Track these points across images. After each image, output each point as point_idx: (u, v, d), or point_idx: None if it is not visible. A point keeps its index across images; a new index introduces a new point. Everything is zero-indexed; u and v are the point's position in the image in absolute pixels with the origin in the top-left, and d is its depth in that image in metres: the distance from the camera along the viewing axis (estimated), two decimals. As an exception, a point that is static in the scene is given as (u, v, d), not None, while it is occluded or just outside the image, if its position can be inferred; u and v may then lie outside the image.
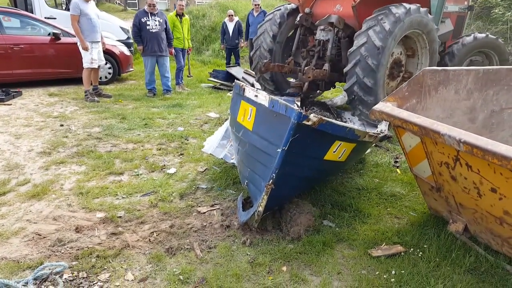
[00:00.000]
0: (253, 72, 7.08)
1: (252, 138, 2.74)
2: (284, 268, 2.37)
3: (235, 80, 3.85)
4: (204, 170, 3.94)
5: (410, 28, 4.87)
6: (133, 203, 3.23)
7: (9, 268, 2.43)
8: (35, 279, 2.30)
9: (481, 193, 2.22)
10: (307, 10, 5.81)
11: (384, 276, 2.27)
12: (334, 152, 2.67)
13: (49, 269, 2.38)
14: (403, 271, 2.28)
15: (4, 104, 6.66)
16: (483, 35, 6.20)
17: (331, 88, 6.52)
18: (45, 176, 3.81)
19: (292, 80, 6.85)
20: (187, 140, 4.88)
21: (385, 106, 2.55)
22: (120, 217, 3.02)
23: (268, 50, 6.26)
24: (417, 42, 5.36)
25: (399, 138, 2.68)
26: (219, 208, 3.15)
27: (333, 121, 2.43)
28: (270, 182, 2.45)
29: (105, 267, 2.42)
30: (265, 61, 5.60)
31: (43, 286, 2.25)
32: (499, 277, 2.26)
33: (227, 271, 2.34)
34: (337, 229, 2.79)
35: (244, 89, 2.88)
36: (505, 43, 8.39)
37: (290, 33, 6.50)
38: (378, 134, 2.99)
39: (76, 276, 2.34)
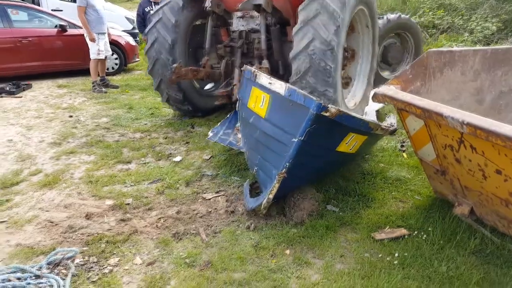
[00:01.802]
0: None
1: (264, 125, 2.73)
2: (288, 252, 2.41)
3: (244, 65, 3.45)
4: (209, 158, 3.98)
5: (357, 7, 3.89)
6: (141, 191, 3.31)
7: (23, 253, 2.53)
8: (48, 263, 2.40)
9: (486, 175, 2.20)
10: None
11: (387, 258, 2.29)
12: (347, 143, 2.68)
13: (61, 254, 2.47)
14: (406, 254, 2.30)
15: (15, 97, 6.81)
16: (395, 15, 5.66)
17: None
18: (56, 166, 3.91)
19: (209, 86, 5.54)
20: (193, 129, 4.92)
21: (388, 89, 2.52)
22: (128, 204, 3.09)
23: (169, 45, 4.52)
24: (358, 20, 4.31)
25: (403, 121, 2.65)
26: (224, 195, 3.20)
27: (350, 113, 2.42)
28: (284, 171, 2.46)
29: (115, 252, 2.50)
30: (175, 65, 4.10)
31: (56, 270, 2.35)
32: (505, 258, 2.25)
33: (231, 254, 2.39)
34: (340, 213, 2.81)
35: (256, 75, 2.85)
36: None
37: (194, 23, 4.92)
38: (389, 127, 2.99)
39: (87, 260, 2.43)
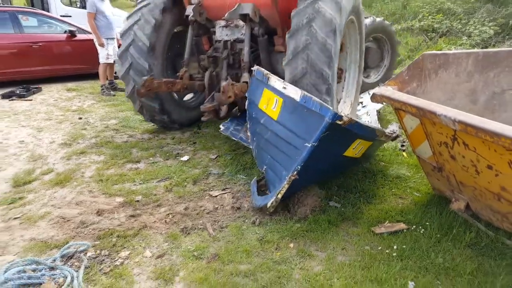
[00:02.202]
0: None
1: (276, 128, 2.85)
2: (291, 245, 2.52)
3: (255, 65, 3.40)
4: (216, 158, 4.11)
5: (349, 16, 3.77)
6: (150, 188, 3.44)
7: (38, 247, 2.67)
8: (61, 256, 2.53)
9: (478, 171, 2.31)
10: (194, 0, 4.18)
11: (386, 251, 2.40)
12: (353, 149, 2.82)
13: (74, 248, 2.60)
14: (404, 246, 2.41)
15: (25, 100, 7.01)
16: (371, 19, 5.52)
17: None
18: (67, 166, 4.06)
19: (188, 97, 5.23)
20: (200, 130, 5.06)
21: (386, 90, 2.64)
22: (138, 201, 3.23)
23: (147, 51, 4.21)
24: (347, 33, 4.15)
25: (401, 120, 2.77)
26: (230, 192, 3.33)
27: (359, 121, 2.57)
28: (295, 173, 2.58)
29: (125, 245, 2.63)
30: (145, 78, 3.77)
31: (69, 263, 2.48)
32: (499, 251, 2.36)
33: (237, 247, 2.51)
34: (342, 209, 2.92)
35: (268, 77, 2.95)
36: None
37: (174, 30, 4.65)
38: (392, 133, 3.15)
39: (99, 253, 2.56)
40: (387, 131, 3.07)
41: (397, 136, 3.27)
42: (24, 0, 17.09)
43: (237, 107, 4.36)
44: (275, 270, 2.26)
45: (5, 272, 2.33)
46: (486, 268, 2.20)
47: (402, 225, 2.64)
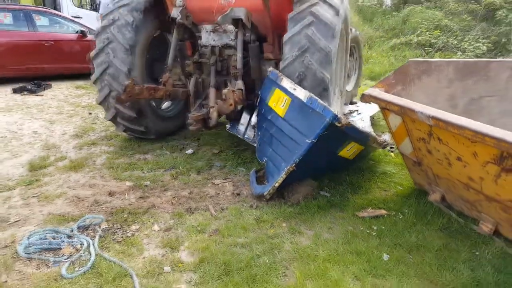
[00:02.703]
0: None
1: (281, 124, 3.17)
2: (284, 224, 2.83)
3: (270, 67, 3.52)
4: (218, 152, 4.43)
5: (343, 23, 3.71)
6: (157, 176, 3.75)
7: (56, 220, 2.96)
8: (78, 227, 2.83)
9: (450, 163, 2.63)
10: (180, 2, 3.93)
11: (367, 231, 2.71)
12: (347, 150, 3.17)
13: (90, 221, 2.91)
14: (383, 227, 2.72)
15: (36, 95, 7.35)
16: (352, 29, 5.42)
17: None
18: (79, 154, 4.37)
19: (165, 106, 4.88)
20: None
21: (374, 91, 2.98)
22: (146, 185, 3.54)
23: (125, 54, 3.93)
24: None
25: (386, 119, 3.11)
26: (231, 181, 3.64)
27: (356, 125, 2.92)
28: (293, 165, 2.90)
29: (136, 220, 2.93)
30: (127, 82, 3.49)
31: (85, 233, 2.78)
32: (466, 234, 2.67)
33: (236, 225, 2.82)
34: (331, 198, 3.24)
35: (282, 78, 3.26)
36: (508, 43, 8.65)
37: (155, 33, 4.36)
38: (383, 142, 3.52)
39: (111, 226, 2.86)
40: (379, 139, 3.40)
41: (387, 145, 3.61)
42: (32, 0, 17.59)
43: (224, 116, 3.97)
44: (268, 242, 2.57)
45: (28, 238, 2.63)
46: (452, 246, 2.51)
47: (383, 211, 2.95)
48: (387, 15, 12.75)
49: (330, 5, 3.42)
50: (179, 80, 4.24)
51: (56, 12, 9.45)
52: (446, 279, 2.23)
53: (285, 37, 3.44)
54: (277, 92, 3.28)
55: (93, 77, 4.14)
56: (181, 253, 2.51)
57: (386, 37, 11.45)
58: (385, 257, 2.40)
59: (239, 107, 3.74)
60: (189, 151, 4.42)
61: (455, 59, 3.30)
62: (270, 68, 3.57)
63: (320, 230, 2.74)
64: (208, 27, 4.01)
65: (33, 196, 3.37)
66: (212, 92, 3.94)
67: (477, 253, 2.48)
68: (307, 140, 2.83)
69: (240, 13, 3.61)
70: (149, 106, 4.39)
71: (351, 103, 6.11)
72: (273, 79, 3.42)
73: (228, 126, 4.29)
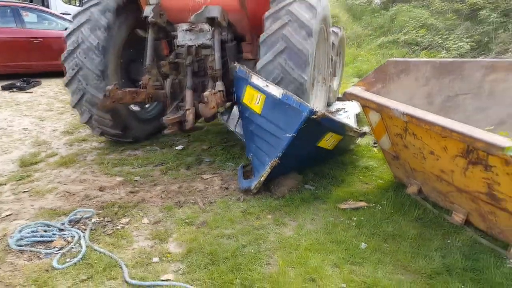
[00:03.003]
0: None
1: (260, 121, 3.25)
2: (269, 216, 2.96)
3: (236, 63, 3.56)
4: (208, 148, 4.54)
5: (321, 24, 3.65)
6: (147, 171, 3.85)
7: (47, 214, 3.04)
8: (69, 221, 2.92)
9: (424, 157, 2.79)
10: (153, 0, 3.85)
11: (347, 221, 2.86)
12: (326, 141, 3.28)
13: (80, 214, 3.00)
14: (362, 218, 2.87)
15: (26, 92, 7.34)
16: (339, 30, 5.62)
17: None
18: (70, 150, 4.44)
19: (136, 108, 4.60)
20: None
21: (354, 89, 3.13)
22: (136, 180, 3.63)
23: (97, 55, 3.82)
24: (317, 41, 3.93)
25: (367, 116, 3.26)
26: (219, 176, 3.76)
27: (330, 116, 3.02)
28: (277, 159, 3.03)
29: (126, 214, 3.03)
30: (109, 87, 3.41)
31: (76, 226, 2.86)
32: (439, 224, 2.84)
33: (223, 217, 2.94)
34: (315, 191, 3.38)
35: (251, 75, 3.29)
36: (490, 42, 8.91)
37: (129, 33, 4.21)
38: (359, 130, 3.67)
39: (102, 220, 2.95)
40: (355, 127, 3.55)
41: (365, 133, 3.76)
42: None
43: (203, 118, 3.88)
44: (254, 233, 2.70)
45: (20, 231, 2.71)
46: (426, 235, 2.68)
47: (363, 203, 3.11)
48: (375, 14, 12.95)
49: (308, 4, 3.39)
50: (156, 81, 4.09)
51: (44, 8, 9.39)
52: (419, 266, 2.39)
53: (261, 37, 3.40)
54: (249, 89, 3.30)
55: (65, 79, 4.02)
56: (169, 244, 2.62)
57: (375, 35, 11.64)
58: (363, 245, 2.55)
59: (220, 109, 3.74)
60: (179, 147, 4.51)
61: (432, 59, 3.47)
62: (236, 64, 3.51)
63: (303, 221, 2.88)
64: (184, 26, 3.92)
65: (24, 191, 3.44)
66: (188, 94, 3.76)
67: (449, 241, 2.64)
68: (287, 135, 2.95)
69: (215, 12, 3.53)
70: (126, 109, 4.25)
71: (338, 99, 6.28)
72: (242, 76, 3.43)
73: (219, 115, 4.16)
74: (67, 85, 4.06)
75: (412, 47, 10.56)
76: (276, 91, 3.07)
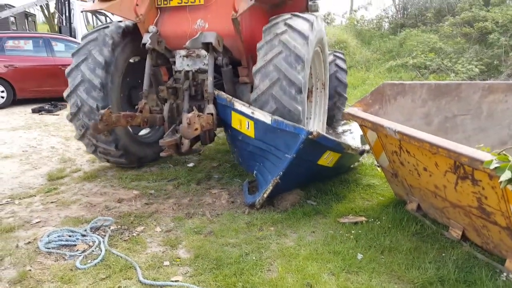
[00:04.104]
0: None
1: (256, 143, 3.42)
2: (272, 228, 3.16)
3: (216, 90, 3.68)
4: (217, 165, 4.82)
5: (316, 47, 3.80)
6: (161, 185, 4.14)
7: (72, 222, 3.35)
8: (91, 228, 3.21)
9: (419, 173, 2.96)
10: (152, 28, 3.97)
11: (346, 234, 3.02)
12: (325, 158, 3.48)
13: (101, 222, 3.29)
14: (360, 231, 3.03)
15: (53, 114, 7.96)
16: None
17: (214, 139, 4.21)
18: (92, 167, 4.81)
19: (144, 132, 5.01)
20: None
21: (353, 110, 3.37)
22: (151, 193, 3.92)
23: (99, 88, 3.97)
24: (313, 64, 4.22)
25: (365, 135, 3.47)
26: (227, 190, 4.00)
27: (326, 135, 3.22)
28: (278, 177, 3.23)
29: (141, 223, 3.30)
30: (103, 111, 3.45)
31: (96, 233, 3.14)
32: (436, 238, 2.95)
33: (229, 228, 3.16)
34: (317, 206, 3.56)
35: (233, 102, 3.37)
36: (500, 65, 9.01)
37: (128, 61, 4.41)
38: (358, 148, 3.79)
39: (119, 227, 3.23)
40: (353, 145, 3.73)
41: (364, 151, 3.94)
42: (48, 27, 18.79)
43: (199, 141, 4.04)
44: (256, 243, 2.90)
45: (48, 236, 3.01)
46: (422, 249, 2.79)
47: (363, 218, 3.26)
48: (384, 38, 13.32)
49: (299, 33, 3.46)
50: (157, 106, 4.25)
51: (71, 38, 10.27)
52: (412, 276, 2.51)
53: (254, 68, 3.52)
54: (235, 115, 3.38)
55: (68, 117, 4.21)
56: (179, 250, 2.85)
57: (383, 59, 11.94)
58: (359, 256, 2.70)
59: (214, 132, 3.89)
60: (191, 164, 4.81)
61: (427, 82, 3.68)
62: (216, 91, 3.58)
63: (303, 233, 3.06)
64: (182, 52, 4.07)
65: (52, 202, 3.78)
66: (185, 117, 3.67)
67: (444, 254, 2.75)
68: (287, 155, 3.14)
69: (210, 38, 3.61)
70: (127, 135, 4.36)
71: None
72: (225, 104, 3.51)
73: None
74: (71, 120, 4.23)
75: (421, 70, 10.78)
76: (265, 118, 3.15)
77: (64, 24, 13.18)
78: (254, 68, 3.53)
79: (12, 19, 14.02)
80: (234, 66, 4.14)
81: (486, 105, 3.99)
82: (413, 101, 3.65)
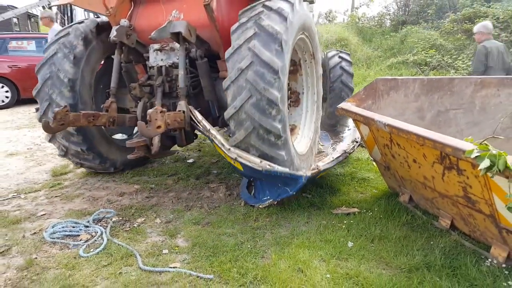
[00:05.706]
0: None
1: (253, 175, 3.31)
2: (267, 219, 3.27)
3: (193, 110, 3.38)
4: (216, 161, 4.94)
5: (298, 33, 3.36)
6: (161, 180, 4.27)
7: (75, 214, 3.49)
8: (93, 220, 3.34)
9: (409, 165, 3.05)
10: (124, 22, 3.67)
11: (338, 224, 3.12)
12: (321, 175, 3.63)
13: (103, 214, 3.42)
14: (352, 221, 3.13)
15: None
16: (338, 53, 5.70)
17: (194, 139, 3.95)
18: (95, 162, 4.94)
19: (122, 136, 4.71)
20: (205, 141, 5.93)
21: (346, 105, 3.47)
22: (152, 188, 4.05)
23: (68, 85, 3.74)
24: (299, 52, 3.82)
25: (358, 129, 3.57)
26: (225, 184, 4.12)
27: (323, 168, 3.40)
28: (275, 202, 3.35)
29: (141, 215, 3.43)
30: (57, 109, 3.19)
31: (99, 224, 3.28)
32: (426, 228, 3.05)
33: (226, 219, 3.28)
34: (312, 199, 3.67)
35: (213, 135, 3.13)
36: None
37: (103, 60, 4.22)
38: (345, 151, 3.86)
39: (121, 219, 3.36)
40: (346, 149, 3.82)
41: (357, 142, 4.05)
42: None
43: (175, 138, 3.76)
44: (252, 232, 3.01)
45: (53, 227, 3.15)
46: (410, 237, 2.89)
47: (355, 209, 3.36)
48: (385, 36, 13.34)
49: (278, 13, 3.03)
50: (135, 106, 3.95)
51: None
52: (400, 262, 2.61)
53: (227, 53, 3.08)
54: (221, 151, 3.22)
55: (38, 115, 3.94)
56: (177, 239, 2.97)
57: (384, 56, 11.98)
58: (350, 244, 2.81)
59: (194, 132, 3.64)
60: (190, 160, 4.94)
61: (420, 77, 3.76)
62: (193, 113, 3.30)
63: (297, 223, 3.17)
64: (155, 46, 3.76)
65: (56, 196, 3.92)
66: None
67: (432, 242, 2.85)
68: (288, 189, 3.22)
69: (179, 27, 3.25)
70: (102, 138, 4.15)
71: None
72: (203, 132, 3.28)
73: None
74: (40, 120, 3.84)
75: (422, 67, 10.81)
76: (254, 164, 3.02)
77: (66, 24, 13.39)
78: (226, 53, 3.08)
79: (15, 20, 14.28)
80: (213, 60, 3.81)
81: (479, 99, 4.06)
82: (406, 96, 3.74)
